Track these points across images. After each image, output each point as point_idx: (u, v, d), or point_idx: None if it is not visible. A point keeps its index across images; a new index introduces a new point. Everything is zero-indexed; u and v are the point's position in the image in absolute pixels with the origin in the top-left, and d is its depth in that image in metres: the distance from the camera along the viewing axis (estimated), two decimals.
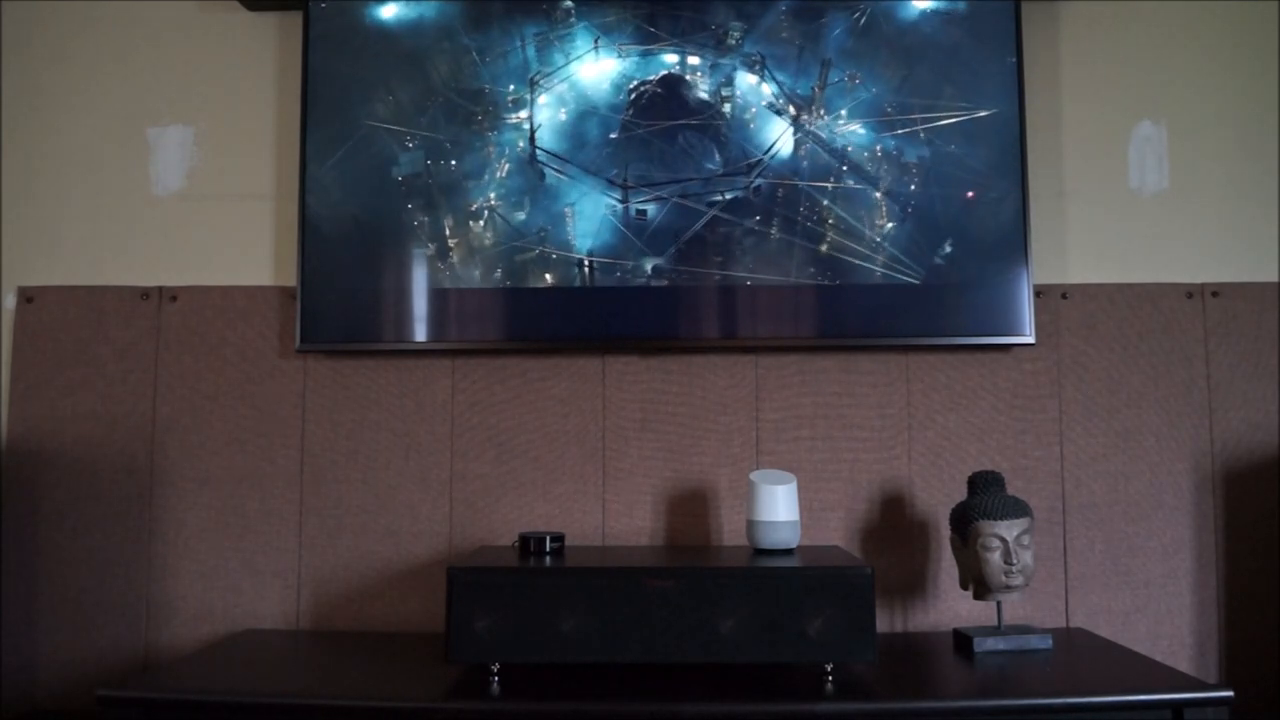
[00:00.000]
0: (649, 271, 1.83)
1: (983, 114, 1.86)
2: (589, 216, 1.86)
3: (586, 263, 1.85)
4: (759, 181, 1.86)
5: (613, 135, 1.87)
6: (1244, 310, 1.92)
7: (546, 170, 1.88)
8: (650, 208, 1.86)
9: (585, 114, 1.89)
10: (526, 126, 1.89)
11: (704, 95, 1.88)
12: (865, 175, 1.86)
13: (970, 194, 1.85)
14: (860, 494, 1.89)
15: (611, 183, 1.86)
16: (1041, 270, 1.93)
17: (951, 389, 1.91)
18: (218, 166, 1.99)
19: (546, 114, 1.89)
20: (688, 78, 1.88)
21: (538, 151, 1.88)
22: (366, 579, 1.90)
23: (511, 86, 1.90)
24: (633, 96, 1.88)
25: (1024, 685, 1.43)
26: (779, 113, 1.86)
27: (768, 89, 1.87)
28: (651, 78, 1.89)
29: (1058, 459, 1.90)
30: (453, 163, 1.88)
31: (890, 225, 1.85)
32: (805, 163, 1.86)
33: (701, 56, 1.89)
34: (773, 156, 1.86)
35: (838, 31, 1.88)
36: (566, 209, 1.86)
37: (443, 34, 1.91)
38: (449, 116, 1.89)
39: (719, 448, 1.91)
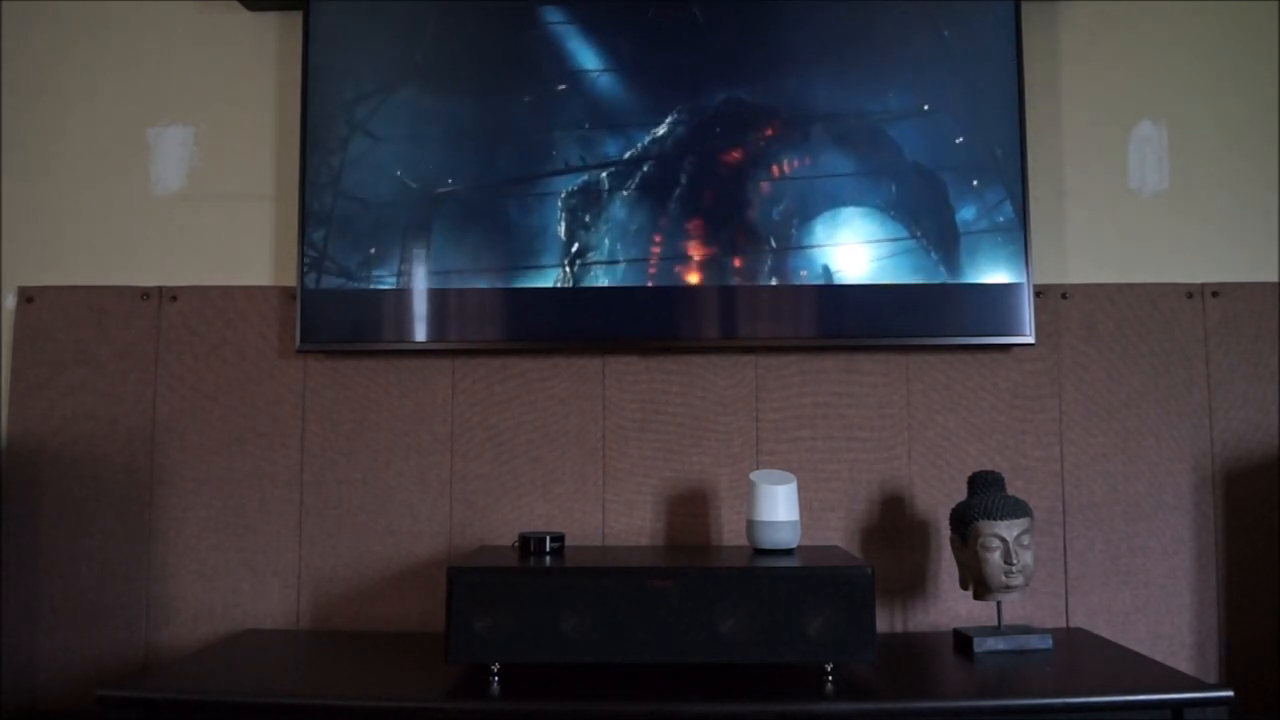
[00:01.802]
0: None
1: (982, 111, 1.86)
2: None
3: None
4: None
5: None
6: (1244, 310, 1.92)
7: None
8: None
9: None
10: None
11: None
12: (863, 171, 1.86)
13: (970, 189, 1.85)
14: (860, 494, 1.89)
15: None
16: (1041, 270, 1.93)
17: (951, 389, 1.91)
18: (218, 166, 1.99)
19: None
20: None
21: None
22: (366, 579, 1.90)
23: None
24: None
25: (1024, 685, 1.43)
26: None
27: None
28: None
29: (1058, 459, 1.90)
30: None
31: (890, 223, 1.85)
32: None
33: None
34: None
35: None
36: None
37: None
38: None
39: (719, 448, 1.91)
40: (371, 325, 1.87)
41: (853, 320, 1.84)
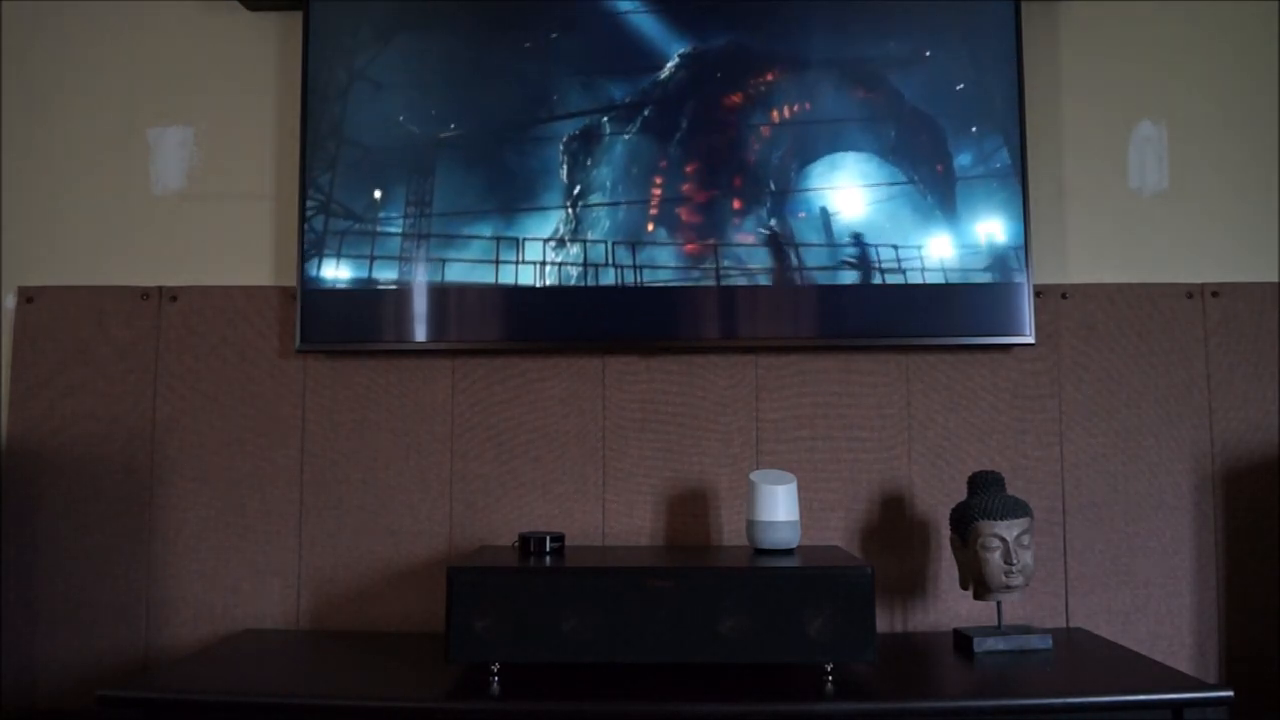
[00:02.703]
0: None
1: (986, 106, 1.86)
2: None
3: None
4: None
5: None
6: (1244, 310, 1.92)
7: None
8: None
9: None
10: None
11: None
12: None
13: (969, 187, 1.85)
14: (860, 494, 1.89)
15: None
16: (1041, 270, 1.93)
17: (951, 389, 1.91)
18: (218, 166, 1.99)
19: None
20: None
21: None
22: (366, 579, 1.90)
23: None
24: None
25: (1024, 685, 1.43)
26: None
27: None
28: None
29: (1058, 459, 1.90)
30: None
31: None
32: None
33: None
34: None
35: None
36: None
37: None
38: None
39: (719, 448, 1.91)
40: (371, 325, 1.87)
41: (852, 320, 1.84)
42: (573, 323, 1.85)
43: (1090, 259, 1.94)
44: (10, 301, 1.98)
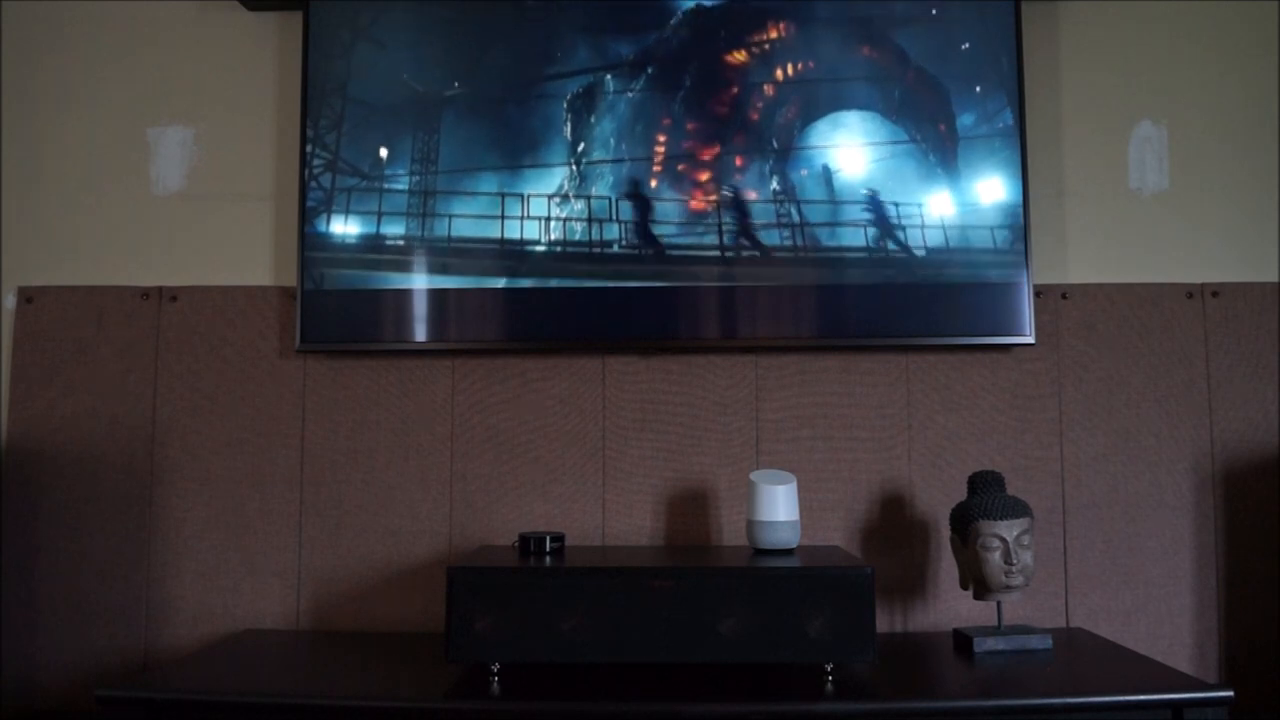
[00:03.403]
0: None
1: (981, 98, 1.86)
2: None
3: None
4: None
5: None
6: (1244, 310, 1.92)
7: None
8: None
9: None
10: None
11: None
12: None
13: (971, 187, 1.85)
14: (860, 494, 1.89)
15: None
16: (1041, 270, 1.93)
17: (951, 389, 1.91)
18: (218, 166, 1.99)
19: None
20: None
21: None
22: (366, 579, 1.90)
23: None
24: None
25: (1024, 685, 1.43)
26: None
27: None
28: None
29: (1058, 459, 1.90)
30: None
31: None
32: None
33: None
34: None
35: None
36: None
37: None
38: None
39: (719, 448, 1.91)
40: (371, 325, 1.87)
41: (853, 320, 1.84)
42: (572, 322, 1.85)
43: (1090, 259, 1.94)
44: (10, 301, 1.98)
